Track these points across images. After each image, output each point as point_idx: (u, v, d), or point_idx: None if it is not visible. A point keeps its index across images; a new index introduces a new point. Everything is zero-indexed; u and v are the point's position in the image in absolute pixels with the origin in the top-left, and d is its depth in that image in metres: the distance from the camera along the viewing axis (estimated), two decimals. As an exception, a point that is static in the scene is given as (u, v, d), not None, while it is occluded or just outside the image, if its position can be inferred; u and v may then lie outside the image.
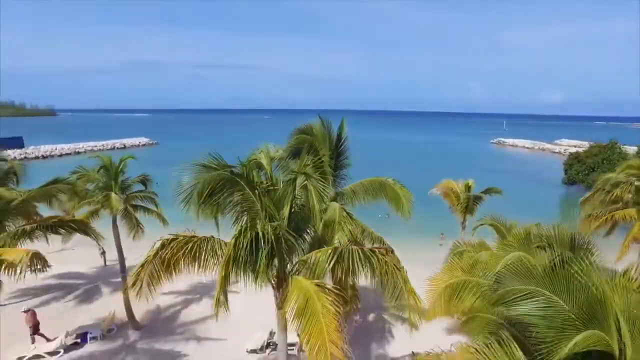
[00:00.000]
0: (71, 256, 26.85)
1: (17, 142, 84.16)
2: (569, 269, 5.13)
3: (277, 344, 10.83)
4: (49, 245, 12.95)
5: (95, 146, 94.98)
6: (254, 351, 15.89)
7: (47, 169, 47.45)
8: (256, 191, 8.61)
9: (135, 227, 17.93)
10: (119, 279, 22.98)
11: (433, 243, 28.41)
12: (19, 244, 11.37)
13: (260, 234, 7.75)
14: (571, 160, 54.24)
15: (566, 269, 5.25)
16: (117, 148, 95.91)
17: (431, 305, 8.61)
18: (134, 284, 8.32)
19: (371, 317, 19.29)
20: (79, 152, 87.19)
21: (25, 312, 16.30)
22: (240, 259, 7.78)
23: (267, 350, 16.01)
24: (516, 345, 5.19)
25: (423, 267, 12.61)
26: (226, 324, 16.51)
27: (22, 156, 74.39)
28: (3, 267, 10.26)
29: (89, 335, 16.98)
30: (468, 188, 21.41)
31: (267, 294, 9.76)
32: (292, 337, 14.63)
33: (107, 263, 26.30)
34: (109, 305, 19.58)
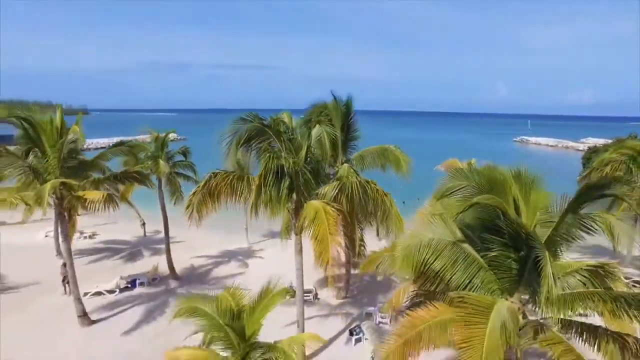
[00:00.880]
0: (115, 228, 30.31)
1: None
2: (487, 170, 7.60)
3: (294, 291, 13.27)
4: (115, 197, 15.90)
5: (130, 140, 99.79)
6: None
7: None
8: (281, 138, 11.33)
9: (177, 192, 20.97)
10: (158, 245, 26.21)
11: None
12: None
13: (285, 164, 10.43)
14: (589, 153, 54.86)
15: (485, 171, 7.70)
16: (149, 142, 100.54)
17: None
18: (188, 206, 11.16)
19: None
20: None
21: (63, 265, 19.15)
22: (268, 184, 10.48)
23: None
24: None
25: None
26: (250, 278, 19.41)
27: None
28: (86, 203, 13.34)
29: (137, 281, 20.14)
30: (470, 166, 23.64)
31: (286, 259, 12.27)
32: (308, 285, 17.24)
33: (147, 234, 29.49)
34: (151, 263, 22.67)
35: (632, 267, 21.91)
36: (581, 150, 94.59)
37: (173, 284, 20.74)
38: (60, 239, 17.08)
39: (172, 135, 20.81)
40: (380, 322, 16.34)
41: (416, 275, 7.81)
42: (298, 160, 11.11)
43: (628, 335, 7.22)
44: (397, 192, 16.32)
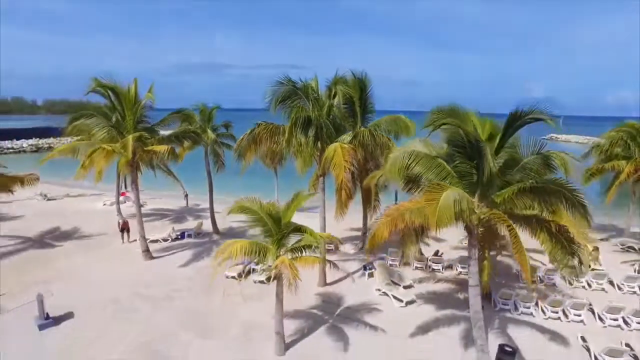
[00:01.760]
0: (160, 202, 34.40)
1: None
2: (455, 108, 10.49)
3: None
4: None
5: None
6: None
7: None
8: (309, 98, 14.57)
9: (219, 161, 24.55)
10: (200, 213, 29.97)
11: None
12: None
13: (311, 115, 13.67)
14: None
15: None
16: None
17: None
18: (236, 149, 14.55)
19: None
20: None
21: (123, 220, 23.09)
22: (297, 131, 13.74)
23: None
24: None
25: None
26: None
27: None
28: (155, 155, 17.02)
29: (186, 233, 23.88)
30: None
31: (311, 220, 15.13)
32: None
33: (189, 205, 33.31)
34: (195, 225, 26.36)
35: (631, 238, 23.77)
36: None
37: (215, 237, 24.35)
38: (131, 190, 20.77)
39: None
40: (390, 264, 19.33)
41: (403, 181, 10.87)
42: (322, 113, 14.32)
43: (554, 221, 10.06)
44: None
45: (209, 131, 22.44)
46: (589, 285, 17.55)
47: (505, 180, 10.42)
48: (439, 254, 20.19)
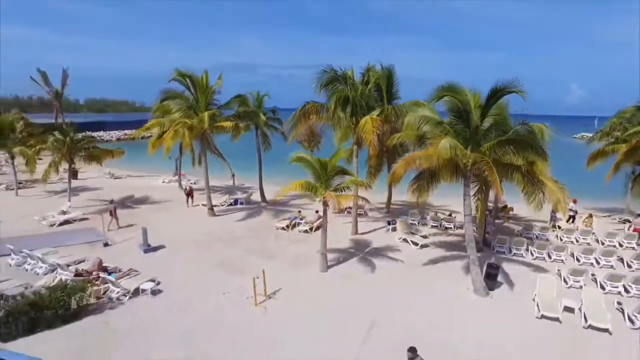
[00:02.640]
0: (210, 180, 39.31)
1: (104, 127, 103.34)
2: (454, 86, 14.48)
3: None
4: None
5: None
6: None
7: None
8: (347, 82, 18.88)
9: (266, 142, 29.16)
10: (246, 189, 34.67)
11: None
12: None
13: (349, 95, 17.98)
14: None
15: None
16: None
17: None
18: (290, 121, 19.02)
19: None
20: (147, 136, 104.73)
21: (190, 185, 28.01)
22: (338, 108, 18.06)
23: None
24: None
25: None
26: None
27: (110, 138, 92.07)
28: (223, 129, 21.76)
29: (239, 201, 28.62)
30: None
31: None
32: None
33: (235, 184, 38.14)
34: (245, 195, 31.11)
35: (630, 215, 26.49)
36: None
37: (263, 204, 28.99)
38: (201, 161, 25.58)
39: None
40: (410, 223, 23.39)
41: (415, 138, 15.05)
42: (357, 94, 18.63)
43: (524, 166, 14.00)
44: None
45: (260, 114, 27.08)
46: (577, 241, 21.10)
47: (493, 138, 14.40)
48: (452, 215, 24.12)
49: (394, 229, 22.30)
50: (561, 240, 21.24)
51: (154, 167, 43.09)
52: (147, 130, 25.91)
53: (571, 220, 24.36)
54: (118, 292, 14.26)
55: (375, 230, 22.74)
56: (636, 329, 12.69)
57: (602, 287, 15.24)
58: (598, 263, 17.83)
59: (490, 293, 14.92)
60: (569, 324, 13.02)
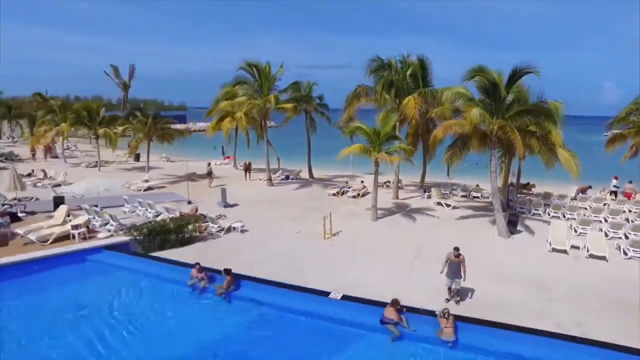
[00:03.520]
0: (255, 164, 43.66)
1: (183, 118, 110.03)
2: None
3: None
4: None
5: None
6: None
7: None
8: (392, 69, 22.66)
9: (312, 126, 33.18)
10: (294, 169, 38.77)
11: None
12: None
13: (394, 79, 21.79)
14: None
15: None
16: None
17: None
18: (346, 101, 22.93)
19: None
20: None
21: (248, 162, 32.28)
22: (384, 88, 21.88)
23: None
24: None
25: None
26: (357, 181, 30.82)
27: (186, 127, 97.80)
28: (284, 110, 25.86)
29: (289, 176, 32.76)
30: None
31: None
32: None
33: (280, 166, 42.28)
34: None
35: None
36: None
37: (310, 180, 33.03)
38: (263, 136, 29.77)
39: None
40: (443, 192, 26.96)
41: (450, 113, 18.72)
42: (399, 78, 22.41)
43: (539, 131, 17.50)
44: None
45: (312, 100, 31.14)
46: (590, 207, 24.23)
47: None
48: (480, 187, 27.55)
49: (429, 196, 25.92)
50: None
51: (200, 155, 47.96)
52: (218, 110, 30.22)
53: (613, 195, 27.02)
54: (216, 229, 18.46)
55: (412, 197, 26.45)
56: (628, 258, 16.03)
57: (606, 235, 18.50)
58: (606, 221, 21.02)
59: (511, 236, 18.44)
60: (574, 254, 16.43)
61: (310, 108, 31.36)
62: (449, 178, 31.44)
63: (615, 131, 31.88)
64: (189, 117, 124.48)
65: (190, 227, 17.34)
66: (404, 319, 10.38)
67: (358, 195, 25.92)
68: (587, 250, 16.24)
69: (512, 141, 17.25)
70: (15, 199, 21.46)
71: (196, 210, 20.13)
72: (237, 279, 12.58)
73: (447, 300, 12.10)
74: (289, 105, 26.67)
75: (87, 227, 16.50)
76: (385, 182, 28.90)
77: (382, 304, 10.83)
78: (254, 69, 27.07)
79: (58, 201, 20.55)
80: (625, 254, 16.25)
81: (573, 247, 16.95)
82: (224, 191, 23.39)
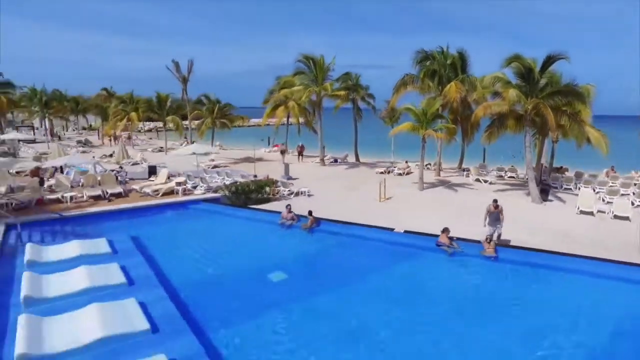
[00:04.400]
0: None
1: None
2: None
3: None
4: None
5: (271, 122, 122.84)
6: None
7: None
8: (435, 60, 25.56)
9: (358, 115, 36.33)
10: (340, 154, 42.05)
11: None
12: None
13: (437, 68, 24.69)
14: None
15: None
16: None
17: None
18: (395, 87, 26.00)
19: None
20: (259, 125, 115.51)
21: (300, 145, 35.77)
22: (427, 76, 24.83)
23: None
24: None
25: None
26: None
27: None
28: (337, 97, 29.14)
29: (338, 159, 36.04)
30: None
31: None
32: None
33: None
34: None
35: None
36: None
37: (357, 163, 36.20)
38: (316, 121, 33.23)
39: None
40: (480, 171, 29.53)
41: (490, 96, 21.45)
42: (442, 67, 25.27)
43: (569, 109, 20.02)
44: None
45: (359, 89, 34.33)
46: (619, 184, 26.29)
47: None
48: (515, 167, 29.99)
49: (468, 175, 28.59)
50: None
51: (249, 145, 52.00)
52: (273, 100, 33.94)
53: None
54: (287, 192, 21.88)
55: (452, 176, 29.20)
56: (650, 220, 18.32)
57: (632, 204, 20.75)
58: (634, 194, 23.18)
59: (543, 203, 20.99)
60: (599, 217, 18.85)
61: (358, 96, 34.49)
62: (484, 163, 33.89)
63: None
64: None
65: (267, 189, 20.82)
66: (454, 243, 13.42)
67: (403, 173, 28.90)
68: (612, 213, 18.61)
69: (545, 119, 19.83)
70: (120, 166, 25.71)
71: (267, 177, 23.65)
72: (318, 220, 15.91)
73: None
74: (342, 93, 30.01)
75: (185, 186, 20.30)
76: (427, 164, 31.68)
77: (436, 235, 13.89)
78: (310, 61, 30.50)
79: (151, 170, 24.58)
80: (649, 217, 18.53)
81: (600, 211, 19.33)
82: (286, 166, 26.89)
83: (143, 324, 8.15)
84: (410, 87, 26.73)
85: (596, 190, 23.94)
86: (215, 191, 20.56)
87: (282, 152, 34.60)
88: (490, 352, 8.29)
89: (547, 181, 25.78)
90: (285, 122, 41.77)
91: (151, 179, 22.44)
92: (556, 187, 25.09)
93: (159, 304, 9.18)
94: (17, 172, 22.58)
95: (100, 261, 11.46)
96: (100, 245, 12.86)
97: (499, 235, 14.22)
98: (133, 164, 32.79)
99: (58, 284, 9.94)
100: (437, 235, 13.89)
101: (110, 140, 48.63)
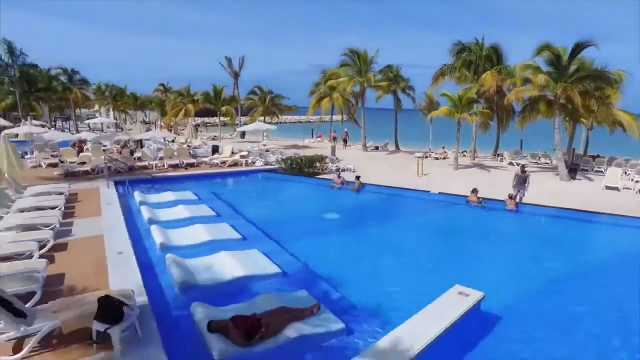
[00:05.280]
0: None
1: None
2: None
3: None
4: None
5: (312, 119, 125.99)
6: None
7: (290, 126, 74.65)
8: (471, 51, 27.61)
9: (398, 105, 38.65)
10: (380, 143, 44.49)
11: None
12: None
13: (472, 59, 26.75)
14: None
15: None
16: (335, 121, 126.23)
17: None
18: (434, 77, 28.27)
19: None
20: (301, 122, 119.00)
21: (345, 132, 38.42)
22: (463, 65, 26.94)
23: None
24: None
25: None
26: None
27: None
28: (380, 88, 31.70)
29: (379, 147, 38.48)
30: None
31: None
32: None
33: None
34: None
35: None
36: None
37: (397, 150, 38.54)
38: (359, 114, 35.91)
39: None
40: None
41: (521, 82, 23.34)
42: (477, 58, 27.28)
43: (597, 93, 21.68)
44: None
45: (400, 81, 36.71)
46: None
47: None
48: (548, 153, 31.47)
49: (501, 160, 30.38)
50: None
51: (293, 137, 55.45)
52: (318, 92, 36.96)
53: None
54: (334, 167, 24.66)
55: (487, 159, 31.07)
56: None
57: (659, 182, 22.08)
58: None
59: (572, 180, 22.68)
60: (625, 192, 20.41)
61: (399, 88, 36.86)
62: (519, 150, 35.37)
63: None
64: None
65: (317, 164, 23.70)
66: (481, 200, 15.75)
67: (440, 157, 31.06)
68: (638, 190, 20.10)
69: (574, 102, 21.56)
70: (187, 145, 29.40)
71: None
72: (364, 184, 18.63)
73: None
74: (383, 84, 32.54)
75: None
76: (462, 152, 33.63)
77: (466, 196, 16.26)
78: (355, 55, 33.20)
79: (214, 149, 28.08)
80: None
81: (625, 188, 20.87)
82: (333, 148, 29.72)
83: (274, 268, 9.11)
84: (447, 77, 28.91)
85: (627, 173, 25.25)
86: (272, 165, 23.70)
87: (334, 139, 37.51)
88: (500, 261, 10.79)
89: (578, 162, 27.22)
90: (330, 115, 44.79)
91: (215, 156, 25.82)
92: (587, 170, 26.50)
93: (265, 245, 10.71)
94: (104, 150, 26.61)
95: (192, 203, 14.74)
96: (188, 195, 16.11)
97: (522, 197, 16.40)
98: (194, 148, 36.64)
99: (183, 237, 11.18)
100: (467, 196, 16.25)
101: (171, 130, 53.26)
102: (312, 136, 55.15)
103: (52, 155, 23.00)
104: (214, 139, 46.26)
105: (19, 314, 5.71)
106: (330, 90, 36.79)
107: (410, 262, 10.59)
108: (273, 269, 9.16)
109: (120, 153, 23.65)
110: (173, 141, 40.02)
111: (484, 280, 8.66)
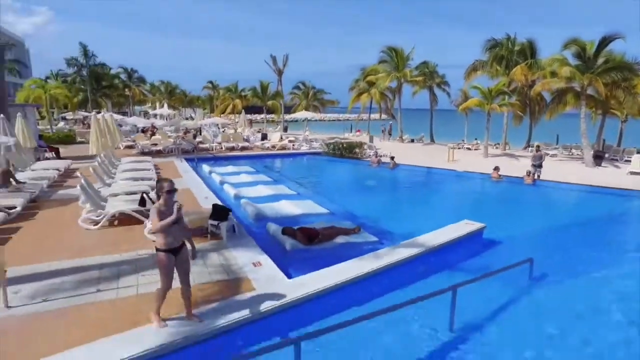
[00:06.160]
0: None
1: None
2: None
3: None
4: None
5: (339, 117, 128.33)
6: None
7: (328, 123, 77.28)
8: (502, 47, 29.32)
9: (434, 100, 40.49)
10: (416, 136, 46.48)
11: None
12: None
13: (504, 54, 28.49)
14: None
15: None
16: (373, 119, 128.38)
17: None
18: (466, 71, 30.17)
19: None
20: (339, 120, 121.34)
21: (390, 125, 40.71)
22: (494, 60, 28.72)
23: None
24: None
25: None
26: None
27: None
28: (416, 83, 33.89)
29: (414, 139, 40.53)
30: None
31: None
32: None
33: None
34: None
35: None
36: None
37: (431, 142, 40.46)
38: (396, 111, 38.19)
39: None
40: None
41: (549, 75, 24.94)
42: (508, 53, 28.95)
43: (624, 84, 23.04)
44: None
45: (436, 76, 38.64)
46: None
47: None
48: (579, 145, 32.52)
49: (532, 150, 31.73)
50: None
51: (331, 133, 58.30)
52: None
53: None
54: (372, 153, 27.12)
55: (518, 150, 32.58)
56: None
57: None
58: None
59: (597, 167, 24.04)
60: (646, 176, 21.70)
61: (434, 83, 38.80)
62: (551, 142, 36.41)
63: None
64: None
65: (357, 150, 26.27)
66: (502, 177, 17.86)
67: (471, 148, 32.85)
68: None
69: (601, 95, 22.98)
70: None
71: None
72: (398, 164, 21.08)
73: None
74: (419, 79, 34.63)
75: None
76: (495, 144, 35.20)
77: (489, 174, 18.40)
78: (392, 52, 35.50)
79: (263, 137, 31.25)
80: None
81: (650, 173, 22.10)
82: (371, 137, 32.18)
83: (324, 210, 12.10)
84: (480, 72, 30.65)
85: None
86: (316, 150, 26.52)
87: (389, 133, 40.19)
88: (515, 216, 13.06)
89: (606, 151, 28.31)
90: (368, 113, 47.30)
91: (265, 141, 28.90)
92: (617, 160, 27.58)
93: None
94: (169, 136, 30.30)
95: (251, 173, 17.78)
96: (246, 168, 19.14)
97: (539, 175, 18.36)
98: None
99: (249, 191, 14.27)
100: (489, 174, 18.38)
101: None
102: (351, 131, 57.91)
103: (127, 139, 26.85)
104: (259, 132, 49.89)
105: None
106: (369, 86, 39.19)
107: (430, 212, 13.09)
108: (324, 211, 11.92)
109: (184, 137, 27.16)
110: (224, 131, 43.94)
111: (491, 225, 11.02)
